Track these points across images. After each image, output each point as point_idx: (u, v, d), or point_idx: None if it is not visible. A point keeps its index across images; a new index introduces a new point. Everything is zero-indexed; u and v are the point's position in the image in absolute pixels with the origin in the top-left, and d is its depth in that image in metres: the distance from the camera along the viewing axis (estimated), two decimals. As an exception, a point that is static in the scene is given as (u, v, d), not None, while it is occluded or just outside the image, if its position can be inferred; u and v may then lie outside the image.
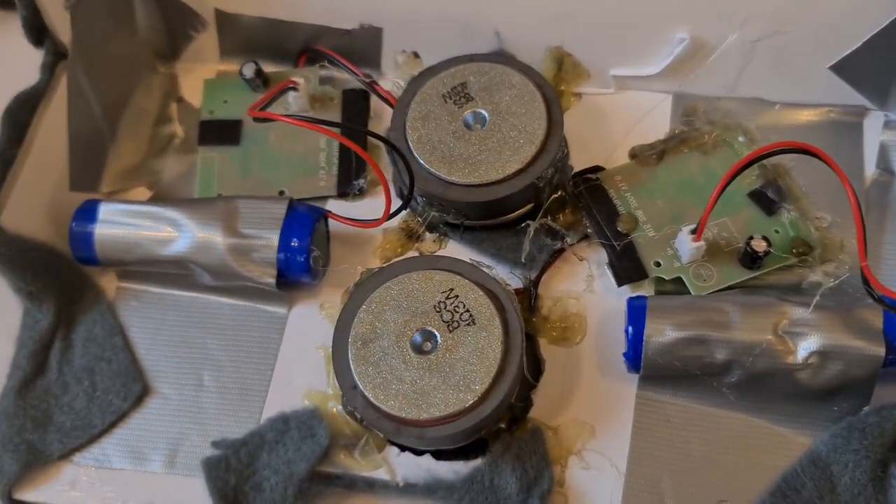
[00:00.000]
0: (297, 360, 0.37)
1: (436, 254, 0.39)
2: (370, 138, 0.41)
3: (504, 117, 0.37)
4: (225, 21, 0.42)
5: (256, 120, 0.36)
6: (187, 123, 0.43)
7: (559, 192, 0.38)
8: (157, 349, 0.38)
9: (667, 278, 0.36)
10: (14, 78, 0.39)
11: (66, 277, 0.38)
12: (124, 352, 0.37)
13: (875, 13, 0.36)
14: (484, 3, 0.39)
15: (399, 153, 0.35)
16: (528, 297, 0.36)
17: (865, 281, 0.30)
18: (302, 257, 0.36)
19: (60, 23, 0.38)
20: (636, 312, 0.33)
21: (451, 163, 0.36)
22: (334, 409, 0.35)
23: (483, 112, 0.37)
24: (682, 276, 0.36)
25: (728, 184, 0.33)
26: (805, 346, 0.32)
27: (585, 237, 0.38)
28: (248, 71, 0.41)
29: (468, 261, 0.35)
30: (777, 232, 0.36)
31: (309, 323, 0.38)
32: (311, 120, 0.34)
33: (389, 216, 0.36)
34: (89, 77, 0.40)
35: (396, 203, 0.37)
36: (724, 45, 0.38)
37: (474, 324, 0.33)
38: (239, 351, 0.37)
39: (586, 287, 0.37)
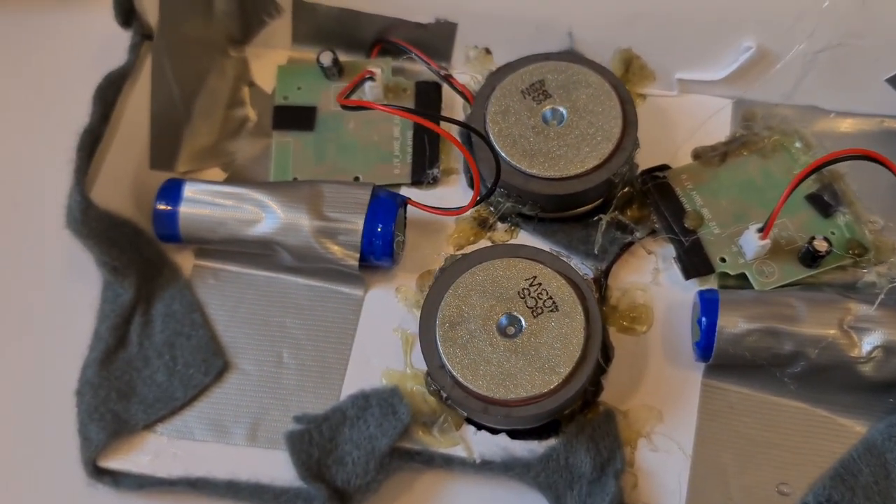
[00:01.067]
0: (375, 340, 0.38)
1: (508, 243, 0.40)
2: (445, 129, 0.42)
3: (581, 115, 0.38)
4: (301, 9, 0.44)
5: (345, 108, 0.37)
6: (259, 107, 0.44)
7: (627, 189, 0.40)
8: (235, 326, 0.39)
9: (731, 273, 0.38)
10: (97, 54, 0.40)
11: (146, 254, 0.39)
12: (203, 328, 0.38)
13: (933, 31, 0.38)
14: (560, 4, 0.41)
15: (488, 143, 0.36)
16: (599, 287, 0.38)
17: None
18: (385, 242, 0.37)
19: (149, 4, 0.39)
20: (709, 305, 0.35)
21: (532, 156, 0.38)
22: (413, 389, 0.37)
23: (561, 109, 0.39)
24: (746, 272, 0.38)
25: (797, 185, 0.35)
26: (869, 341, 0.34)
27: (653, 232, 0.39)
28: (326, 59, 0.42)
29: (548, 250, 0.37)
30: (833, 233, 0.39)
31: (385, 305, 0.39)
32: (404, 109, 0.35)
33: (476, 203, 0.37)
34: (170, 58, 0.41)
35: (469, 192, 0.39)
36: (790, 55, 0.40)
37: (557, 310, 0.35)
38: (317, 330, 0.39)
39: (653, 279, 0.39)
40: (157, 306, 0.39)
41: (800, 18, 0.39)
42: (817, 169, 0.35)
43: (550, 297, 0.35)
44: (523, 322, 0.35)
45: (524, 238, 0.40)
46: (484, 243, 0.40)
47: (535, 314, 0.35)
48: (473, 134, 0.38)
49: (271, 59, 0.45)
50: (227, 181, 0.42)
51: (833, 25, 0.39)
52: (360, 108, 0.37)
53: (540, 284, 0.35)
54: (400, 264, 0.40)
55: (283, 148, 0.42)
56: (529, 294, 0.35)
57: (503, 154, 0.38)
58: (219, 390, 0.38)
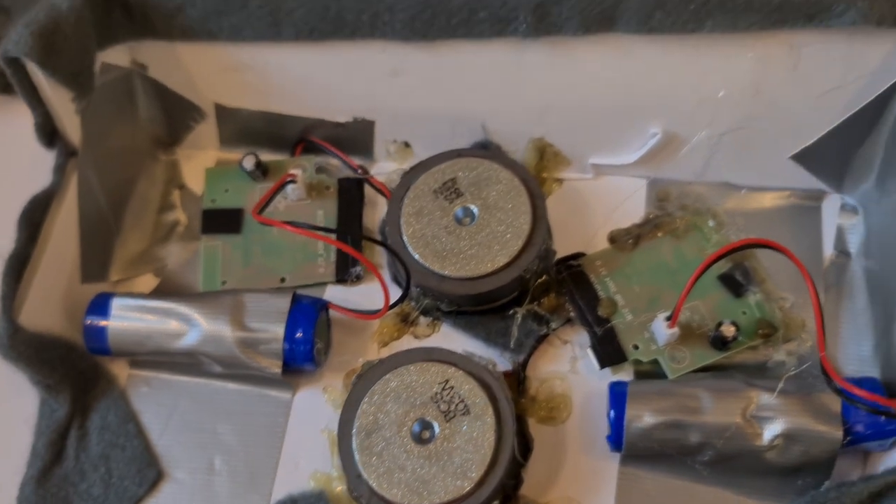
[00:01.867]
0: (303, 442, 0.39)
1: (430, 337, 0.41)
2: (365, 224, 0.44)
3: (492, 212, 0.40)
4: (224, 113, 0.45)
5: (261, 223, 0.38)
6: (190, 210, 0.45)
7: (544, 277, 0.41)
8: (168, 434, 0.40)
9: (644, 360, 0.39)
10: (16, 167, 0.41)
11: (80, 367, 0.40)
12: (138, 438, 0.40)
13: (830, 111, 0.39)
14: (471, 100, 0.42)
15: (395, 252, 0.38)
16: (517, 380, 0.39)
17: (824, 372, 0.34)
18: (306, 348, 0.38)
19: (70, 124, 0.40)
20: (618, 398, 0.36)
21: (444, 257, 0.39)
22: (340, 490, 0.38)
23: (472, 207, 0.40)
24: (658, 359, 0.39)
25: (698, 278, 0.36)
26: (771, 429, 0.35)
27: (569, 321, 0.40)
28: (248, 164, 0.44)
29: (461, 352, 0.38)
30: (744, 313, 0.39)
31: (313, 406, 0.40)
32: (309, 227, 0.36)
33: (389, 308, 0.39)
34: (97, 171, 0.42)
35: (392, 289, 0.40)
36: (694, 140, 0.41)
37: (469, 413, 0.36)
38: (247, 435, 0.40)
39: (570, 368, 0.40)
40: (93, 418, 0.40)
41: (700, 106, 0.40)
42: (715, 261, 0.36)
43: (462, 401, 0.36)
44: (436, 427, 0.36)
45: (446, 331, 0.41)
46: (407, 338, 0.41)
47: (447, 418, 0.36)
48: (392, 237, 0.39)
49: (202, 161, 0.46)
50: (156, 292, 0.43)
51: (731, 111, 0.40)
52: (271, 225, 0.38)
53: (452, 388, 0.36)
54: (327, 364, 0.41)
55: (211, 252, 0.43)
56: (442, 398, 0.36)
57: (416, 256, 0.39)
58: (153, 501, 0.39)
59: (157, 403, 0.41)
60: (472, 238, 0.39)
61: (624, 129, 0.42)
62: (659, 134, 0.41)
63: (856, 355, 0.39)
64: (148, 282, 0.44)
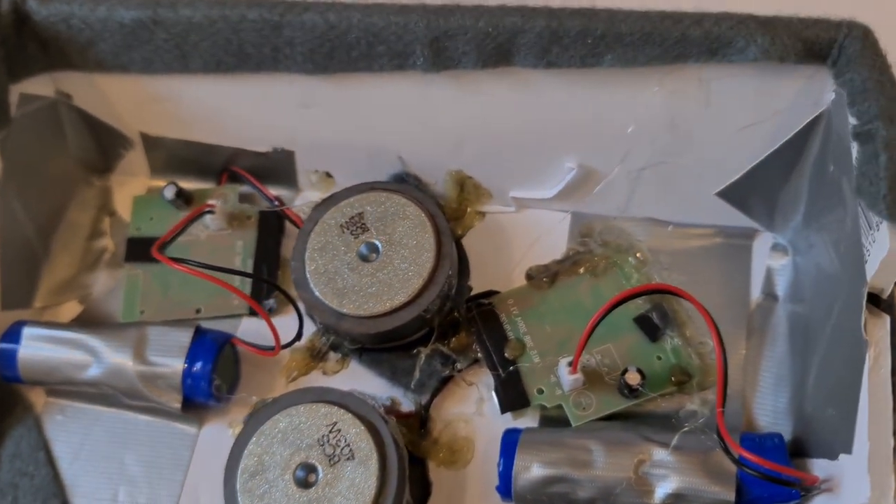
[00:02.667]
0: (205, 478, 0.39)
1: (339, 372, 0.41)
2: (283, 255, 0.43)
3: (396, 248, 0.39)
4: (150, 142, 0.45)
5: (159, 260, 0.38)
6: (117, 238, 0.45)
7: (455, 314, 0.40)
8: (78, 463, 0.40)
9: (548, 406, 0.37)
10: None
11: (-4, 394, 0.41)
12: (46, 467, 0.40)
13: (752, 147, 0.37)
14: (384, 131, 0.41)
15: (283, 293, 0.37)
16: (419, 422, 0.38)
17: (718, 433, 0.32)
18: (205, 384, 0.38)
19: (-10, 152, 0.41)
20: (508, 447, 0.35)
21: (344, 294, 0.38)
22: (235, 529, 0.37)
23: (377, 243, 0.39)
24: (562, 404, 0.37)
25: (597, 324, 0.35)
26: (663, 487, 0.33)
27: (476, 361, 0.39)
28: (169, 193, 0.43)
29: (356, 393, 0.37)
30: (659, 358, 0.38)
31: (218, 442, 0.40)
32: (199, 266, 0.36)
33: (282, 348, 0.38)
34: (22, 199, 0.43)
35: (307, 323, 0.40)
36: (611, 175, 0.39)
37: (353, 458, 0.35)
38: (151, 468, 0.40)
39: (475, 410, 0.39)
40: (7, 445, 0.40)
41: (613, 141, 0.38)
42: (611, 309, 0.34)
43: (348, 445, 0.35)
44: (321, 471, 0.35)
45: (354, 367, 0.40)
46: (316, 374, 0.41)
47: (332, 462, 0.35)
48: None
49: (133, 188, 0.47)
50: (78, 320, 0.43)
51: (647, 146, 0.38)
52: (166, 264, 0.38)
53: (339, 431, 0.35)
54: (235, 398, 0.40)
55: (132, 281, 0.44)
56: (328, 441, 0.35)
57: (316, 293, 0.38)
58: (55, 532, 0.39)
59: (69, 432, 0.41)
60: (374, 275, 0.38)
61: (540, 162, 0.40)
62: (575, 168, 0.40)
63: (772, 407, 0.37)
64: (73, 308, 0.44)
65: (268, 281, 0.40)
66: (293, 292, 0.42)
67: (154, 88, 0.42)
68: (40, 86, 0.42)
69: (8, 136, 0.41)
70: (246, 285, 0.42)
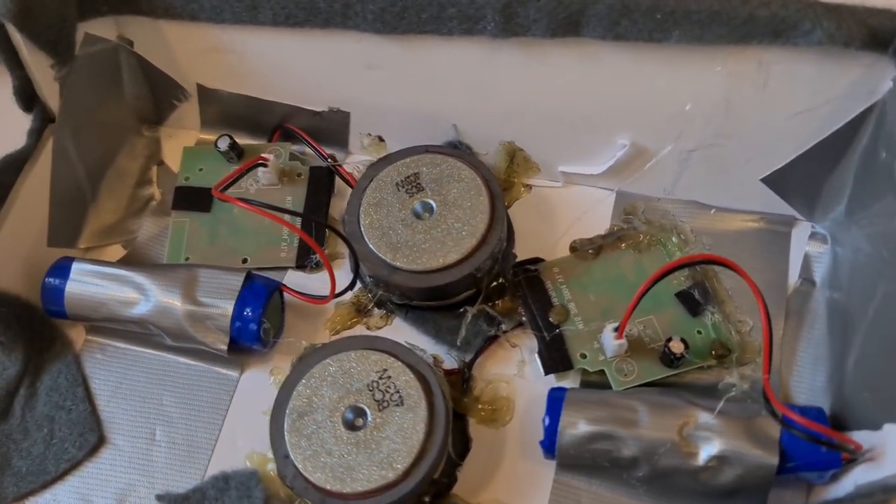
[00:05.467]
0: (244, 422, 0.39)
1: (382, 329, 0.41)
2: (332, 210, 0.44)
3: (450, 209, 0.39)
4: (206, 94, 0.46)
5: (220, 199, 0.39)
6: (165, 187, 0.46)
7: (500, 280, 0.40)
8: (116, 401, 0.40)
9: (591, 370, 0.38)
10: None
11: (36, 328, 0.41)
12: (84, 402, 0.40)
13: (801, 135, 0.38)
14: (442, 99, 0.42)
15: (345, 239, 0.38)
16: (462, 379, 0.39)
17: (764, 395, 0.33)
18: (253, 327, 0.39)
19: (50, 90, 0.41)
20: (554, 404, 0.36)
21: (397, 249, 0.39)
22: (273, 472, 0.38)
23: (431, 202, 0.40)
24: (605, 370, 0.38)
25: (647, 290, 0.35)
26: (707, 450, 0.34)
27: (520, 325, 0.40)
28: (223, 144, 0.44)
29: (405, 343, 0.37)
30: (699, 333, 0.39)
31: (258, 387, 0.40)
32: (265, 206, 0.36)
33: (335, 296, 0.39)
34: (75, 140, 0.43)
35: (347, 278, 0.40)
36: (662, 153, 0.40)
37: (402, 405, 0.35)
38: (190, 409, 0.40)
39: (517, 372, 0.39)
40: (44, 379, 0.41)
41: (669, 119, 0.39)
42: (666, 273, 0.35)
43: (398, 391, 0.36)
44: (369, 415, 0.35)
45: (398, 324, 0.41)
46: (360, 328, 0.41)
47: (381, 408, 0.35)
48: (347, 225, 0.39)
49: (183, 140, 0.47)
50: (121, 262, 0.43)
51: (701, 126, 0.39)
52: (228, 202, 0.38)
53: (390, 378, 0.36)
54: (277, 346, 0.41)
55: (179, 228, 0.44)
56: (378, 387, 0.36)
57: (371, 245, 0.39)
58: (91, 465, 0.39)
59: (108, 370, 0.41)
60: (428, 233, 0.39)
61: (593, 137, 0.41)
62: (627, 145, 0.41)
63: (809, 385, 0.38)
64: (116, 252, 0.45)
65: (328, 226, 0.40)
66: (339, 250, 0.43)
67: (218, 39, 0.42)
68: (104, 28, 0.43)
69: (69, 73, 0.41)
70: (294, 238, 0.43)
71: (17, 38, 0.38)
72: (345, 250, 0.43)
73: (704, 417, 0.34)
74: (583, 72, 0.39)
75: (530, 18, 0.37)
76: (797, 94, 0.37)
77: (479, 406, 0.39)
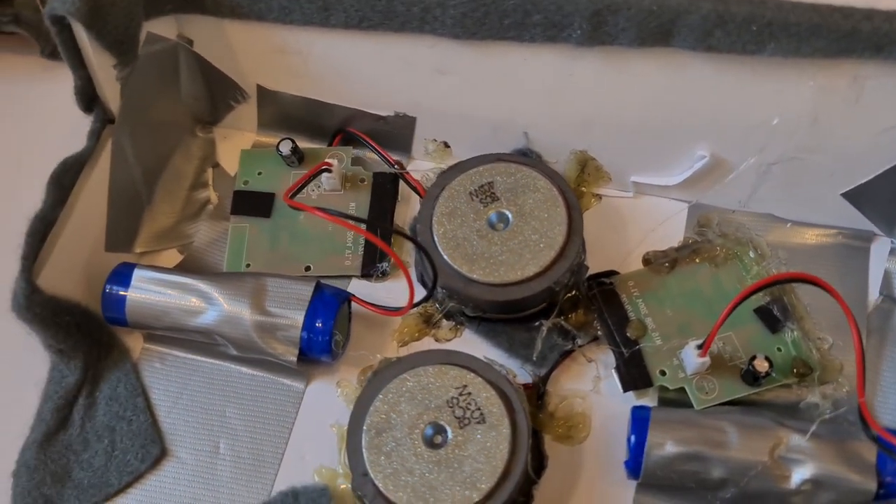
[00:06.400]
0: (311, 435, 0.38)
1: (451, 341, 0.40)
2: (396, 218, 0.43)
3: (527, 220, 0.38)
4: (265, 96, 0.44)
5: (291, 207, 0.38)
6: (221, 190, 0.45)
7: (574, 292, 0.40)
8: (176, 412, 0.39)
9: (671, 388, 0.37)
10: (55, 133, 0.41)
11: (94, 336, 0.40)
12: (145, 413, 0.39)
13: (888, 150, 0.37)
14: (515, 106, 0.41)
15: (423, 250, 0.37)
16: (536, 394, 0.38)
17: (862, 419, 0.32)
18: (324, 339, 0.37)
19: (111, 91, 0.40)
20: (640, 423, 0.35)
21: (473, 260, 0.38)
22: (344, 488, 0.37)
23: (507, 213, 0.39)
24: (685, 387, 0.37)
25: (735, 307, 0.35)
26: (800, 473, 0.33)
27: (595, 339, 0.39)
28: (285, 148, 0.43)
29: (483, 358, 0.37)
30: (779, 350, 0.38)
31: (325, 399, 0.39)
32: (340, 215, 0.35)
33: (412, 307, 0.37)
34: (133, 141, 0.42)
35: (417, 289, 0.39)
36: (743, 166, 0.40)
37: (484, 422, 0.35)
38: (255, 421, 0.39)
39: (593, 388, 0.39)
40: (103, 388, 0.39)
41: (752, 131, 0.38)
42: (755, 292, 0.35)
43: (479, 409, 0.35)
44: (450, 432, 0.34)
45: (468, 337, 0.40)
46: (428, 340, 0.40)
47: (461, 425, 0.35)
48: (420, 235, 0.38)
49: (238, 142, 0.46)
50: (179, 267, 0.42)
51: (785, 140, 0.38)
52: (302, 209, 0.37)
53: (470, 394, 0.35)
54: (343, 358, 0.40)
55: (238, 233, 0.43)
56: (458, 404, 0.35)
57: (445, 257, 0.38)
58: (154, 478, 0.38)
59: (168, 380, 0.40)
60: (504, 244, 0.38)
61: (670, 148, 0.41)
62: (707, 157, 0.40)
63: (894, 406, 0.37)
64: (172, 257, 0.43)
65: (406, 235, 0.39)
66: (403, 259, 0.42)
67: (283, 40, 0.41)
68: (164, 27, 0.41)
69: (130, 74, 0.40)
70: (358, 246, 0.42)
71: (83, 37, 0.37)
72: (411, 260, 0.42)
73: (796, 439, 0.34)
74: (666, 82, 0.38)
75: (619, 27, 0.36)
76: (890, 110, 0.36)
77: (554, 422, 0.38)
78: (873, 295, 0.40)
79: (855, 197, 0.40)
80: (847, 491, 0.33)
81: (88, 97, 0.40)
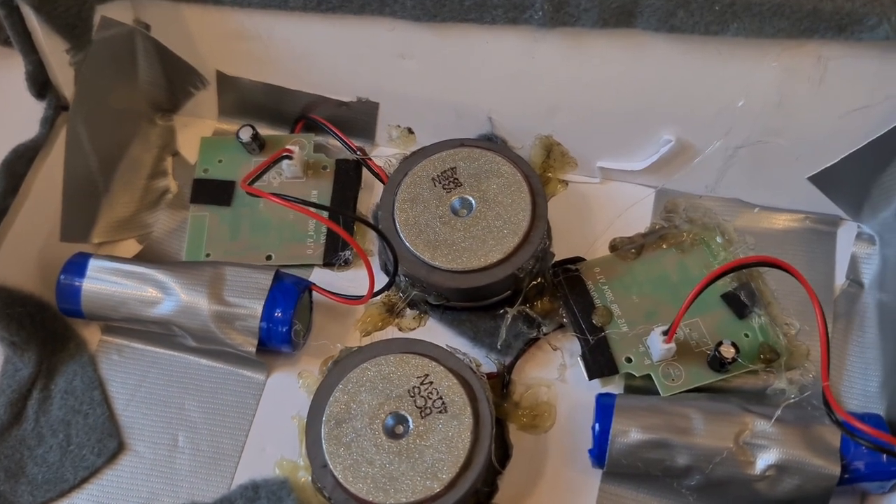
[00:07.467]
0: (272, 427, 0.38)
1: (415, 331, 0.39)
2: (359, 205, 0.42)
3: (490, 205, 0.38)
4: (225, 82, 0.43)
5: (249, 194, 0.37)
6: (181, 179, 0.44)
7: (539, 280, 0.39)
8: (134, 405, 0.38)
9: (637, 375, 0.37)
10: (8, 121, 0.40)
11: (49, 328, 0.39)
12: (102, 406, 0.38)
13: (853, 133, 0.37)
14: (479, 90, 0.40)
15: (384, 237, 0.36)
16: (501, 383, 0.37)
17: (826, 402, 0.32)
18: (284, 329, 0.37)
19: (64, 77, 0.39)
20: (604, 411, 0.34)
21: (436, 247, 0.37)
22: (305, 480, 0.36)
23: (470, 198, 0.38)
24: (651, 374, 0.37)
25: (700, 293, 0.34)
26: (764, 459, 0.33)
27: (561, 326, 0.39)
28: (245, 135, 0.42)
29: (445, 347, 0.36)
30: (747, 336, 0.37)
31: (286, 391, 0.38)
32: (299, 202, 0.34)
33: (373, 295, 0.37)
34: (88, 129, 0.41)
35: (380, 278, 0.38)
36: (709, 150, 0.39)
37: (446, 412, 0.34)
38: (215, 414, 0.38)
39: (558, 376, 0.38)
40: (58, 381, 0.38)
41: (718, 115, 0.38)
42: (720, 276, 0.34)
43: (440, 398, 0.34)
44: (411, 422, 0.34)
45: (432, 326, 0.39)
46: (391, 329, 0.40)
47: (423, 414, 0.34)
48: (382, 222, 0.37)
49: (198, 130, 0.45)
50: (138, 258, 0.41)
51: (751, 122, 0.38)
52: (259, 196, 0.36)
53: (431, 383, 0.34)
54: (305, 349, 0.39)
55: (198, 222, 0.42)
56: (420, 393, 0.34)
57: (407, 244, 0.37)
58: (111, 473, 0.37)
59: (125, 372, 0.39)
60: (467, 230, 0.37)
61: (636, 133, 0.40)
62: (672, 141, 0.39)
63: (861, 390, 0.37)
64: (131, 247, 0.42)
65: (367, 222, 0.38)
66: (366, 247, 0.41)
67: (243, 24, 0.40)
68: (120, 11, 0.40)
69: (84, 59, 0.39)
70: (320, 235, 0.41)
71: (33, 20, 0.36)
72: (374, 248, 0.41)
73: (761, 425, 0.33)
74: (630, 64, 0.37)
75: (581, 8, 0.35)
76: (853, 91, 0.36)
77: (520, 411, 0.37)
78: (840, 279, 0.40)
79: (821, 181, 0.39)
80: (811, 476, 0.32)
81: (40, 83, 0.39)
